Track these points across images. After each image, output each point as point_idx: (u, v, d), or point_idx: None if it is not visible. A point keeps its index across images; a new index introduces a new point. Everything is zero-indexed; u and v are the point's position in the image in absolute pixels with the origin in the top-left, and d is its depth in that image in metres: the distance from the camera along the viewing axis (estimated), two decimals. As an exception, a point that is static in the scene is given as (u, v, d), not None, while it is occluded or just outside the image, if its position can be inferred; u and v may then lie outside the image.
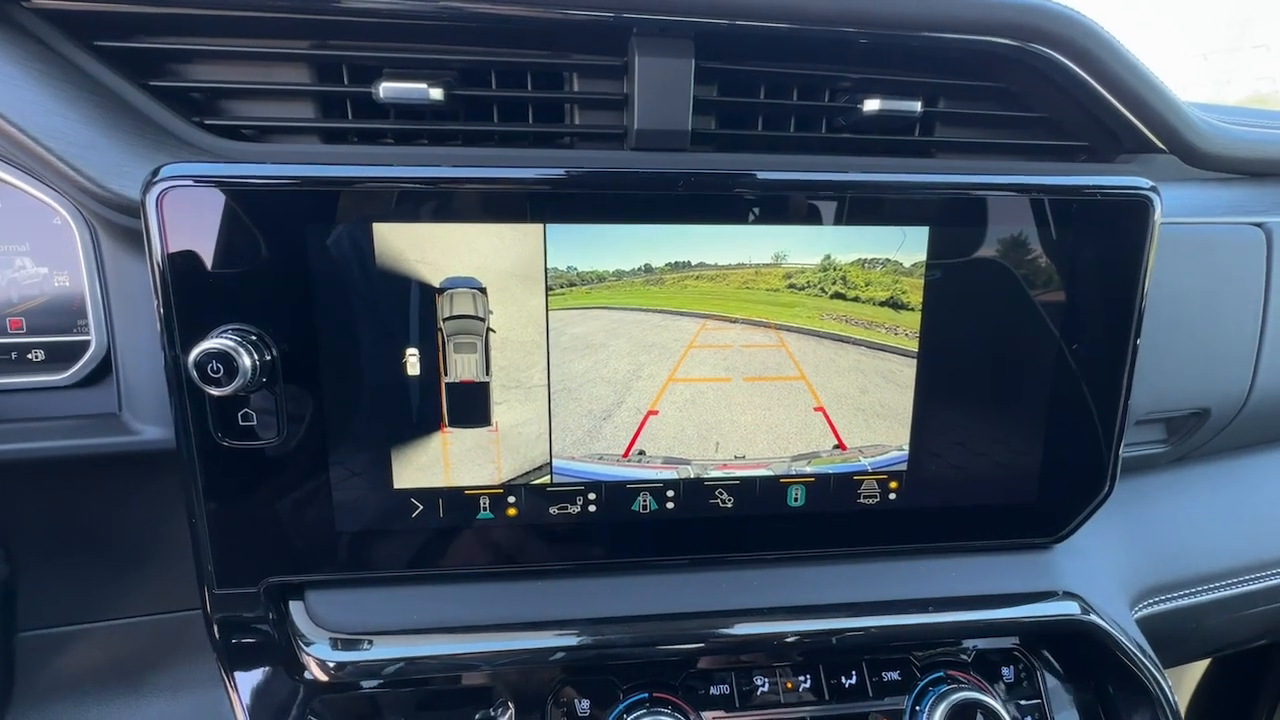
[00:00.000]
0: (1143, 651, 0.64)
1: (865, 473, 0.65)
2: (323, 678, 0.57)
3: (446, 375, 0.57)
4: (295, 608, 0.59)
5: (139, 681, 0.68)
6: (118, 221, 0.56)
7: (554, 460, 0.61)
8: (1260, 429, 0.84)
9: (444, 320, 0.56)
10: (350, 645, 0.57)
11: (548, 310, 0.57)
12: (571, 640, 0.58)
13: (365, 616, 0.59)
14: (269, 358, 0.52)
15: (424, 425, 0.57)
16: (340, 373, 0.54)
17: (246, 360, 0.49)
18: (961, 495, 0.65)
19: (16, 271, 0.65)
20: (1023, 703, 0.65)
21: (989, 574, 0.66)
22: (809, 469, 0.64)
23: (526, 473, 0.61)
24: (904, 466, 0.65)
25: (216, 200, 0.49)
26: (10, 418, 0.60)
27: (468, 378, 0.58)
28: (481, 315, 0.56)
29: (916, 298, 0.61)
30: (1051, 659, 0.68)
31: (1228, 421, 0.78)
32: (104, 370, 0.62)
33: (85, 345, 0.62)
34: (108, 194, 0.53)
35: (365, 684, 0.60)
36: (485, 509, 0.60)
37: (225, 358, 0.49)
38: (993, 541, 0.68)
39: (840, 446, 0.64)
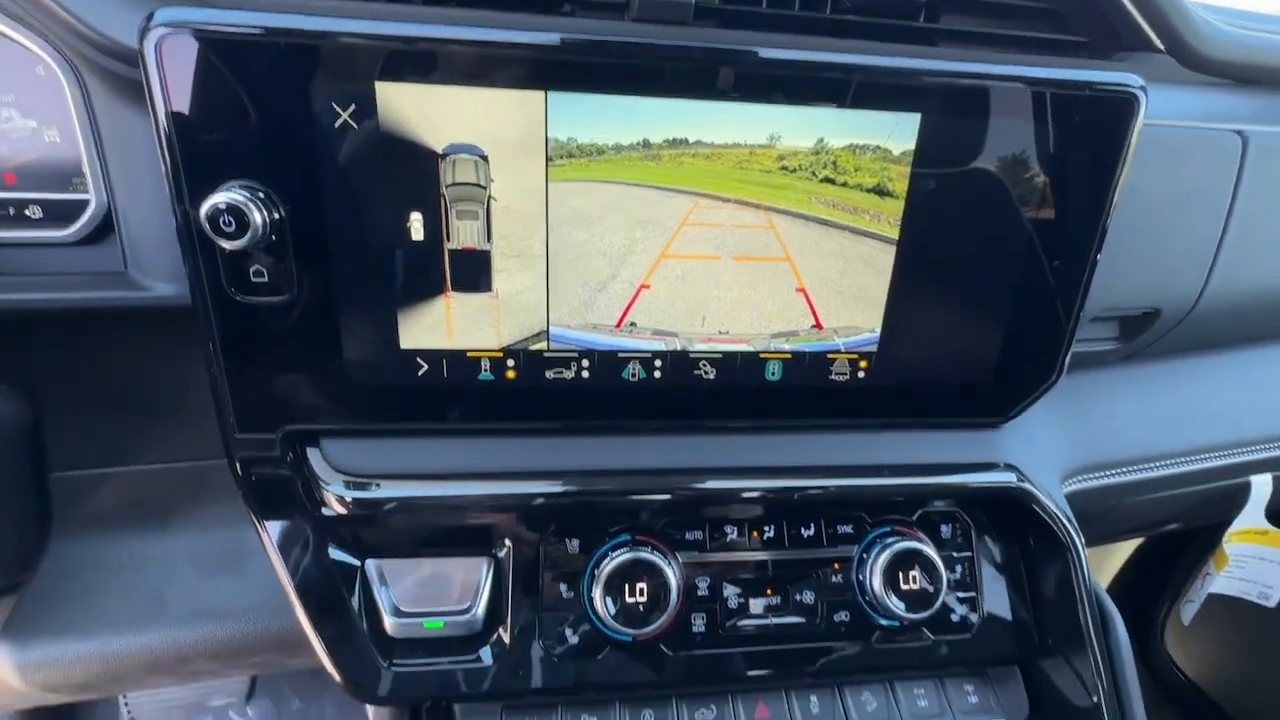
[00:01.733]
0: (1066, 516, 0.73)
1: (839, 352, 0.70)
2: (339, 511, 0.63)
3: (449, 241, 0.59)
4: (312, 453, 0.64)
5: (168, 519, 0.75)
6: (112, 69, 0.56)
7: (551, 328, 0.65)
8: (1207, 332, 0.91)
9: (446, 187, 0.57)
10: (362, 485, 0.64)
11: (547, 181, 0.59)
12: (562, 487, 0.65)
13: (375, 462, 0.65)
14: (277, 216, 0.54)
15: (428, 289, 0.60)
16: (346, 234, 0.57)
17: (257, 216, 0.51)
18: (924, 376, 0.71)
19: (3, 124, 0.64)
20: (955, 554, 0.75)
21: (941, 446, 0.74)
22: (787, 346, 0.69)
23: (525, 338, 0.65)
24: (874, 348, 0.70)
25: (217, 51, 0.49)
26: (16, 271, 0.62)
27: (469, 244, 0.60)
28: (483, 183, 0.58)
29: (902, 186, 0.63)
30: (986, 521, 0.77)
31: (1176, 322, 0.84)
32: (106, 228, 0.63)
33: (84, 204, 0.63)
34: (101, 38, 0.53)
35: (376, 520, 0.67)
36: (486, 370, 0.65)
37: (236, 211, 0.50)
38: (948, 419, 0.75)
39: (817, 326, 0.69)
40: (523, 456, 0.67)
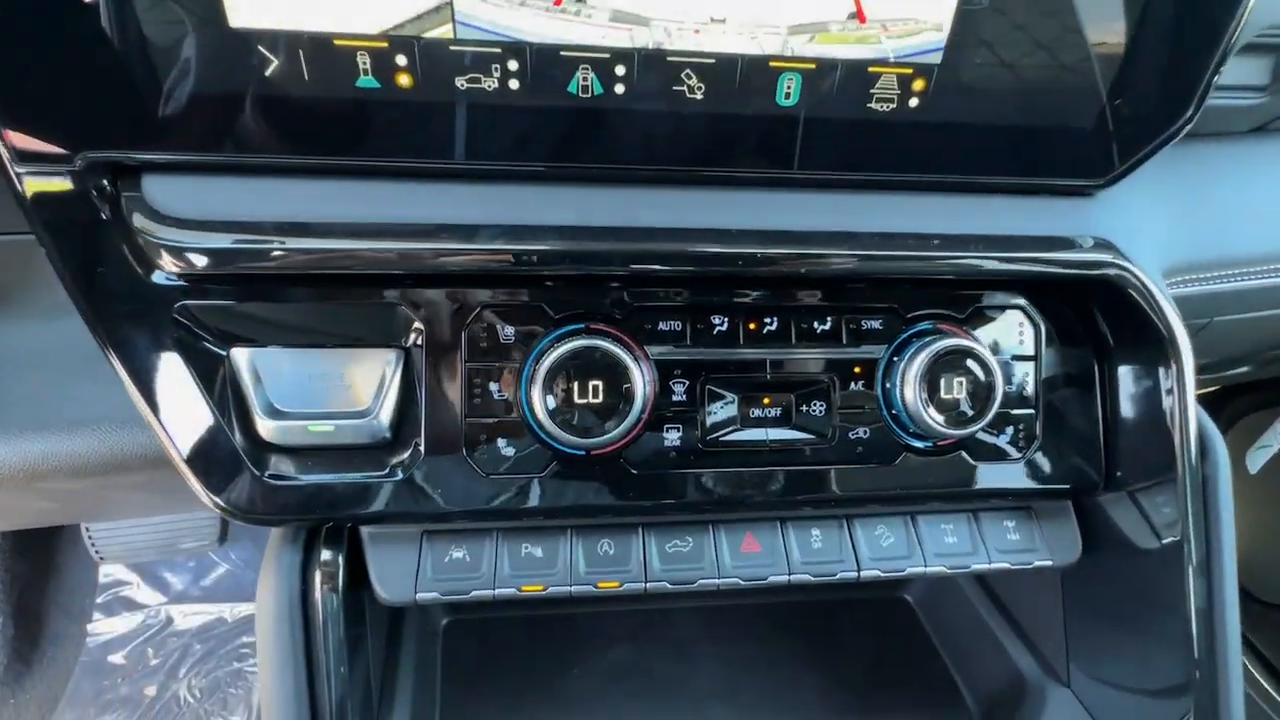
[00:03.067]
0: (1174, 309, 0.54)
1: (885, 63, 0.48)
2: (173, 271, 0.46)
3: None
4: (131, 195, 0.46)
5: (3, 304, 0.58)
6: None
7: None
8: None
9: None
10: (202, 235, 0.45)
11: None
12: (487, 247, 0.47)
13: (221, 206, 0.46)
14: None
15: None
16: None
17: None
18: (1002, 110, 0.50)
19: None
20: (1013, 359, 0.58)
21: (1012, 215, 0.54)
22: (810, 49, 0.47)
23: (419, 17, 0.43)
24: (937, 58, 0.48)
25: None
26: None
27: None
28: None
29: None
30: (1058, 318, 0.59)
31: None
32: None
33: None
34: None
35: (239, 289, 0.49)
36: (367, 72, 0.44)
37: None
38: (1026, 180, 0.54)
39: (858, 16, 0.47)
40: (434, 205, 0.48)
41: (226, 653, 1.61)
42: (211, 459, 0.50)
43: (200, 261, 0.46)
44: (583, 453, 0.53)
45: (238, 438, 0.50)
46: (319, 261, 0.47)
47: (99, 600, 1.69)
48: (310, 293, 0.50)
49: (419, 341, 0.51)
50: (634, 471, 0.53)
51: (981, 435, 0.57)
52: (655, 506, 0.54)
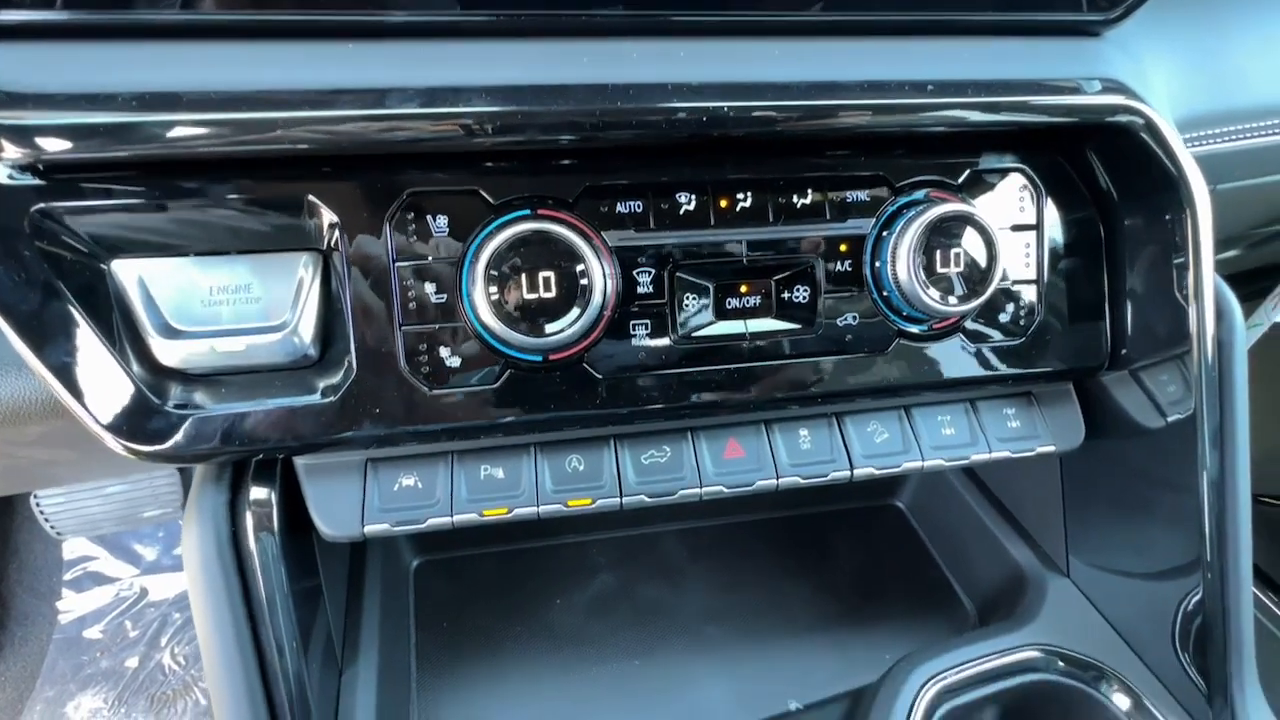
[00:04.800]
0: (1191, 156, 0.48)
1: None
2: (18, 156, 0.37)
3: None
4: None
5: None
6: None
7: None
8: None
9: None
10: (49, 113, 0.37)
11: None
12: (396, 111, 0.39)
13: (72, 78, 0.37)
14: None
15: None
16: None
17: None
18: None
19: None
20: (1013, 228, 0.52)
21: (1013, 58, 0.47)
22: None
23: None
24: None
25: None
26: None
27: None
28: None
29: None
30: (1059, 179, 0.53)
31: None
32: None
33: None
34: None
35: (111, 186, 0.41)
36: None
37: None
38: (1027, 16, 0.47)
39: None
40: (331, 67, 0.39)
41: (208, 619, 1.57)
42: (105, 393, 0.42)
43: (51, 146, 0.38)
44: (539, 358, 0.46)
45: (133, 366, 0.43)
46: (197, 140, 0.38)
47: (67, 578, 1.63)
48: (200, 187, 0.42)
49: (336, 242, 0.44)
50: (599, 376, 0.47)
51: (980, 315, 0.52)
52: (626, 415, 0.48)
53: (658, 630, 0.75)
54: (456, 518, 0.48)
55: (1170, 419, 0.56)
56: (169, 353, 0.43)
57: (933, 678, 0.57)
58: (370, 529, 0.48)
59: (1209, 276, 0.49)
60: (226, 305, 0.44)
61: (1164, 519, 0.59)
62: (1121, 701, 0.57)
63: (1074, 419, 0.59)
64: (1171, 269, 0.51)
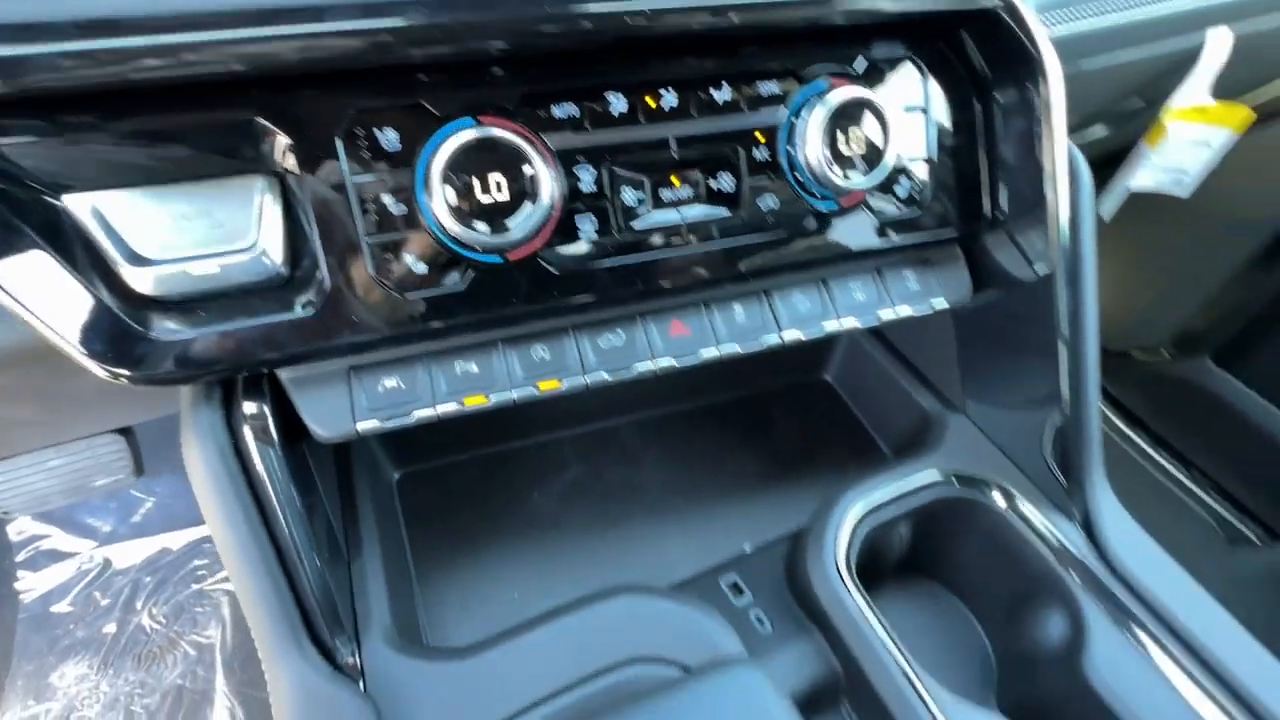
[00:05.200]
0: (1046, 36, 0.56)
1: None
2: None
3: None
4: None
5: None
6: None
7: None
8: None
9: None
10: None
11: None
12: (332, 27, 0.41)
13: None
14: None
15: None
16: None
17: None
18: None
19: None
20: (904, 108, 0.59)
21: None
22: None
23: None
24: None
25: None
26: None
27: None
28: None
29: None
30: (944, 65, 0.60)
31: None
32: None
33: None
34: None
35: (48, 118, 0.41)
36: None
37: None
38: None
39: None
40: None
41: (181, 578, 1.58)
42: (89, 325, 0.44)
43: (-11, 84, 0.38)
44: (499, 259, 0.51)
45: (113, 296, 0.45)
46: (138, 65, 0.40)
47: (19, 559, 1.59)
48: (143, 116, 0.43)
49: (291, 164, 0.46)
50: (555, 272, 0.53)
51: (881, 191, 0.60)
52: (581, 305, 0.54)
53: (625, 506, 0.85)
54: (440, 409, 0.54)
55: (1038, 272, 0.67)
56: (143, 280, 0.45)
57: (856, 506, 0.69)
58: (362, 425, 0.53)
59: (1061, 143, 0.58)
60: (191, 233, 0.46)
61: (1036, 357, 0.71)
62: (1001, 502, 0.70)
63: (963, 277, 0.69)
64: (1033, 139, 0.60)
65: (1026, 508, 0.69)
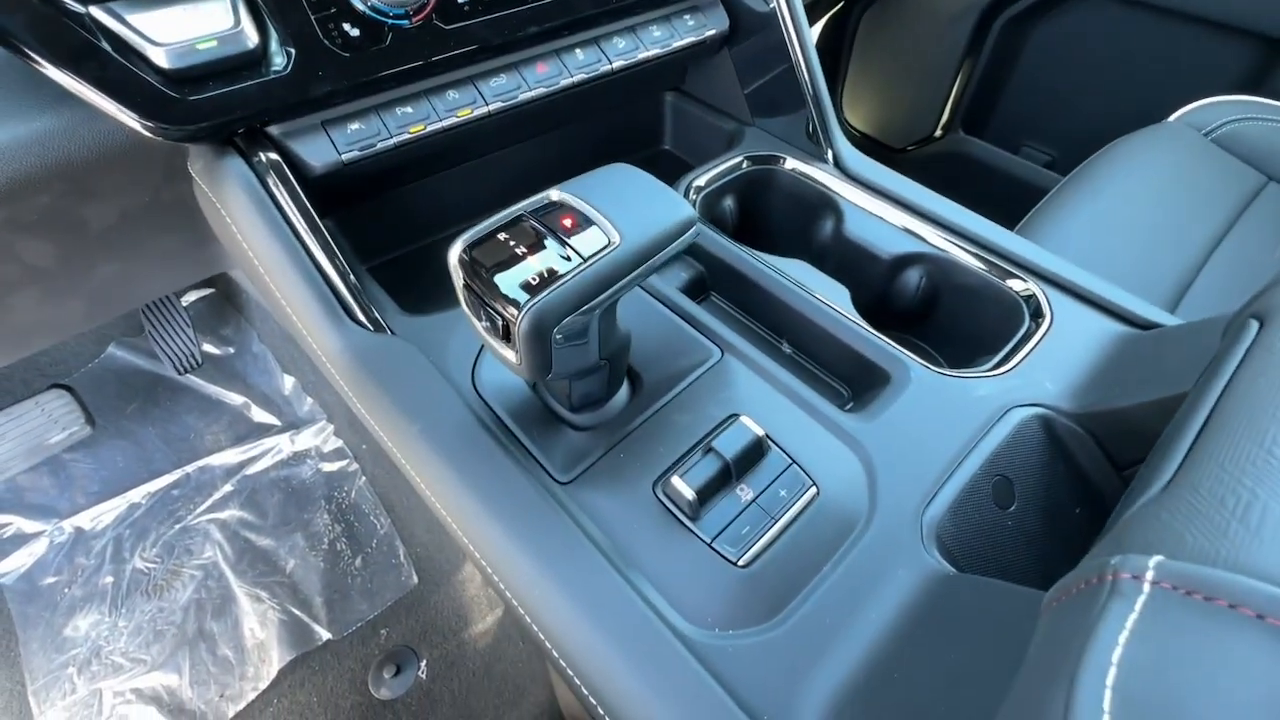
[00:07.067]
0: None
1: None
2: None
3: None
4: None
5: None
6: None
7: None
8: None
9: None
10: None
11: None
12: None
13: None
14: None
15: None
16: None
17: None
18: None
19: None
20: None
21: None
22: None
23: None
24: None
25: None
26: None
27: None
28: None
29: None
30: None
31: None
32: None
33: None
34: None
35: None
36: None
37: None
38: None
39: None
40: None
41: (161, 522, 1.68)
42: (134, 93, 0.64)
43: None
44: (405, 22, 0.75)
45: (143, 69, 0.64)
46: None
47: (-17, 552, 1.62)
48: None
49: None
50: (446, 28, 0.77)
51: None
52: (469, 53, 0.79)
53: (518, 174, 1.07)
54: (395, 139, 0.78)
55: (767, 3, 0.98)
56: (165, 56, 0.65)
57: (699, 179, 1.00)
58: (346, 156, 0.75)
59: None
60: (190, 23, 0.66)
61: (783, 64, 1.04)
62: (788, 165, 1.04)
63: (721, 14, 1.00)
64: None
65: (801, 165, 1.04)
